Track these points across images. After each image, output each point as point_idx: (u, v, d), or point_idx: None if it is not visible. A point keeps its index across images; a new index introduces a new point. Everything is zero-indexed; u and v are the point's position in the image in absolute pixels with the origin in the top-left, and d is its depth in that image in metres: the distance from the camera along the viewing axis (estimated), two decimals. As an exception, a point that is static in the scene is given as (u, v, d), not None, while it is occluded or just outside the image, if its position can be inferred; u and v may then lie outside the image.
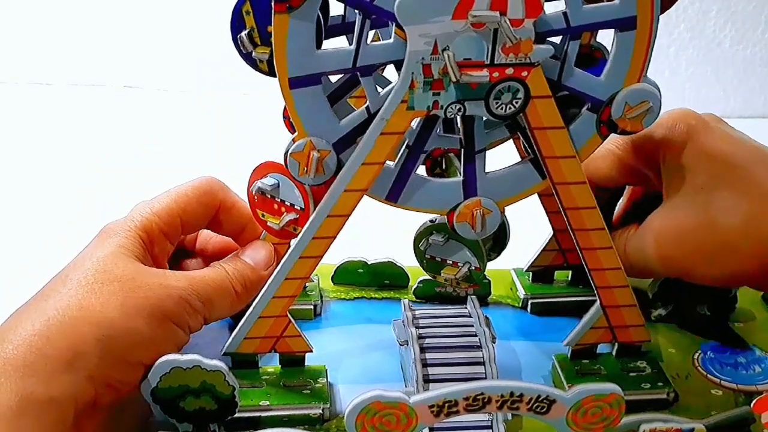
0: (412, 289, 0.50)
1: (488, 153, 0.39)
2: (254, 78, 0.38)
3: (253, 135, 0.71)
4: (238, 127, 0.80)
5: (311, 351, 0.42)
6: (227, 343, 0.41)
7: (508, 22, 0.34)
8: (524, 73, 0.35)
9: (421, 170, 0.44)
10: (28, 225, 0.64)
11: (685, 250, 0.40)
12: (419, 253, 0.43)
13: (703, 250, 0.40)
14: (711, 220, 0.39)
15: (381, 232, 0.54)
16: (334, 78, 0.41)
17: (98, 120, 0.81)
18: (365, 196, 0.38)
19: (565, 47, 0.36)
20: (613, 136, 0.38)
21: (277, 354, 0.42)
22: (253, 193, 0.41)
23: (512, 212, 0.45)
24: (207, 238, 0.46)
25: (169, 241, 0.42)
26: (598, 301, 0.41)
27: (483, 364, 0.41)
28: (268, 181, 0.40)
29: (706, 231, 0.39)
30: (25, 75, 0.86)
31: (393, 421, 0.33)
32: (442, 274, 0.43)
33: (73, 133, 0.79)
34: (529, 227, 0.48)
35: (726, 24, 0.83)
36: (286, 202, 0.40)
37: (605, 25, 0.35)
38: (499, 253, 0.47)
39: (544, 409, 0.33)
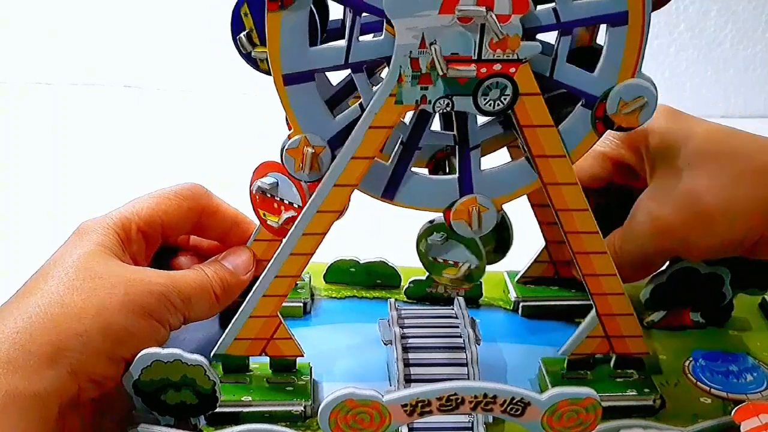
0: (404, 289, 0.50)
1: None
2: (254, 78, 0.38)
3: (253, 135, 0.71)
4: (237, 127, 0.80)
5: (302, 355, 0.42)
6: (217, 345, 0.41)
7: (494, 17, 0.34)
8: (512, 70, 0.35)
9: (424, 173, 0.44)
10: (28, 224, 0.64)
11: (681, 217, 0.41)
12: (421, 255, 0.43)
13: (700, 214, 0.41)
14: (704, 188, 0.41)
15: (374, 231, 0.53)
16: (335, 81, 0.41)
17: (98, 119, 0.82)
18: (364, 196, 0.38)
19: (556, 43, 0.36)
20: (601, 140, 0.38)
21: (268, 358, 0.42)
22: (254, 192, 0.41)
23: (509, 216, 0.45)
24: (199, 239, 0.46)
25: (148, 242, 0.42)
26: (594, 310, 0.41)
27: (466, 365, 0.40)
28: (267, 180, 0.41)
29: (700, 197, 0.41)
30: (25, 74, 0.87)
31: (366, 419, 0.33)
32: (444, 275, 0.43)
33: (73, 132, 0.79)
34: (525, 231, 0.48)
35: (726, 24, 0.83)
36: (285, 201, 0.41)
37: (596, 20, 0.35)
38: (504, 255, 0.47)
39: (519, 412, 0.33)
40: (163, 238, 0.43)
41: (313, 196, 0.38)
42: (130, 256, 0.41)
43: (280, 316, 0.41)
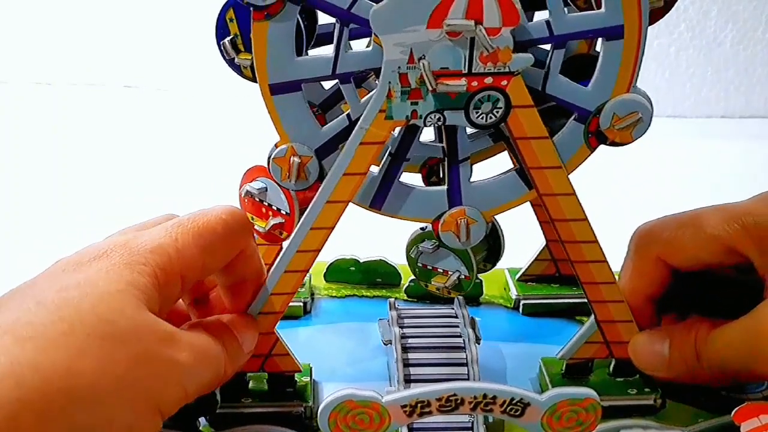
0: (404, 287, 0.50)
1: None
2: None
3: (253, 136, 0.71)
4: (238, 128, 0.80)
5: (300, 371, 0.41)
6: None
7: (483, 30, 0.33)
8: (504, 82, 0.35)
9: (417, 179, 0.44)
10: (28, 225, 0.64)
11: None
12: (411, 261, 0.43)
13: None
14: None
15: (373, 230, 0.53)
16: (327, 85, 0.41)
17: (98, 120, 0.82)
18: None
19: (549, 56, 0.35)
20: (715, 221, 0.37)
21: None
22: (243, 196, 0.41)
23: (510, 213, 0.45)
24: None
25: (182, 287, 0.34)
26: (593, 317, 0.41)
27: (465, 365, 0.40)
28: (256, 184, 0.41)
29: None
30: (25, 75, 0.87)
31: (366, 420, 0.33)
32: (432, 283, 0.43)
33: (73, 132, 0.80)
34: (526, 228, 0.48)
35: (727, 24, 0.83)
36: (273, 207, 0.41)
37: (590, 33, 0.35)
38: (494, 264, 0.47)
39: (519, 412, 0.33)
40: (197, 280, 0.36)
41: (305, 213, 0.38)
42: (159, 304, 0.33)
43: (277, 332, 0.40)
